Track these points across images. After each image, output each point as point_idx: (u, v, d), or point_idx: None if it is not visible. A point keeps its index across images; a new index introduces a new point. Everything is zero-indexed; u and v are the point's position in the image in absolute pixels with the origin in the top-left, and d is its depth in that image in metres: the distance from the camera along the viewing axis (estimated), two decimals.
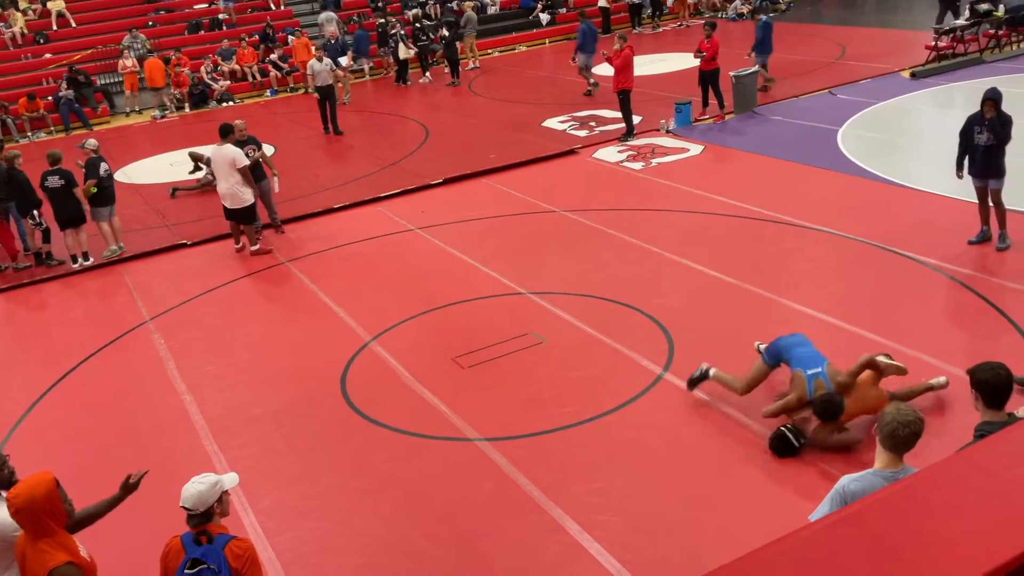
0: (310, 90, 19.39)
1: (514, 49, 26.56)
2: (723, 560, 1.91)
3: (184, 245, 12.64)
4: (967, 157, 9.54)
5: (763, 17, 17.81)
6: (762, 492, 6.28)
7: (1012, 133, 9.28)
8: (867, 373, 6.65)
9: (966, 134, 9.50)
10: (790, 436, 6.49)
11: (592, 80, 19.28)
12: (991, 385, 4.37)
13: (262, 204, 12.52)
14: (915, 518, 1.90)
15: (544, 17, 27.70)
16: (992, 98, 9.21)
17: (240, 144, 12.06)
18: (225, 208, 11.92)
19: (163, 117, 22.12)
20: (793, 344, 6.96)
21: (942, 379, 6.91)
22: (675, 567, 5.56)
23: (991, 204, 9.52)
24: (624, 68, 14.99)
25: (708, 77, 15.91)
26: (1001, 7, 19.16)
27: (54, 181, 11.83)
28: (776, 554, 1.84)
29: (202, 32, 25.62)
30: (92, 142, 12.48)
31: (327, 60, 18.46)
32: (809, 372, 6.71)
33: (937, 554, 1.78)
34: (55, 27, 24.81)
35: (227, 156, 11.63)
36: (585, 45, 19.11)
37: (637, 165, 14.03)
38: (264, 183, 12.44)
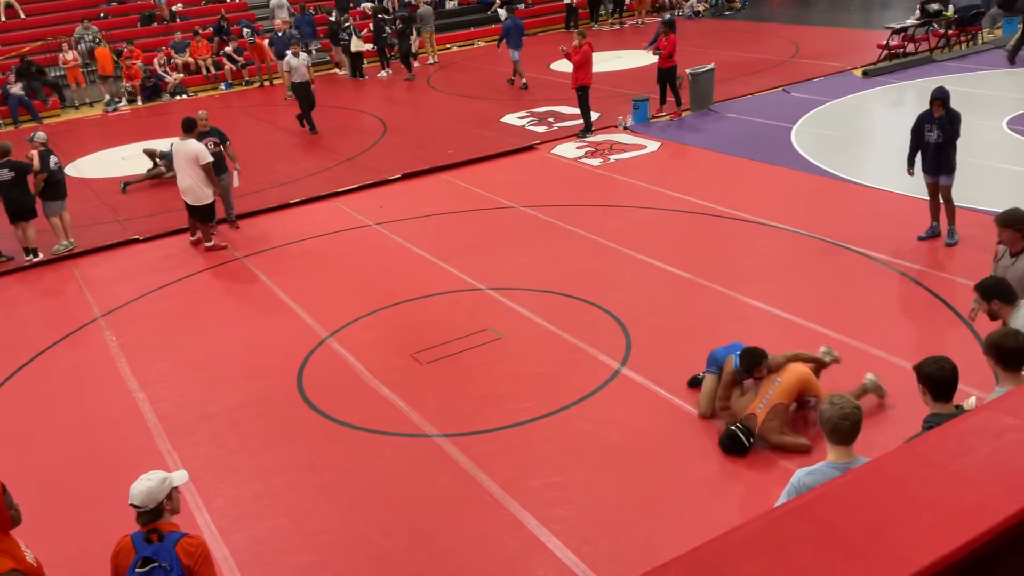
0: (287, 88, 18.44)
1: (473, 44, 26.51)
2: (680, 551, 1.93)
3: (136, 240, 12.44)
4: (919, 154, 9.69)
5: (666, 15, 18.38)
6: (718, 485, 6.35)
7: (960, 130, 9.46)
8: (796, 376, 6.78)
9: (917, 132, 9.64)
10: (741, 436, 6.54)
11: (520, 74, 20.00)
12: (936, 379, 4.47)
13: (220, 198, 12.40)
14: (862, 509, 1.93)
15: (502, 12, 27.66)
16: (940, 97, 9.37)
17: (201, 136, 11.92)
18: (186, 203, 11.73)
19: (115, 110, 21.73)
20: (727, 347, 7.20)
21: (880, 385, 6.98)
22: (632, 559, 5.60)
23: (941, 200, 9.69)
24: (583, 64, 15.03)
25: (666, 74, 16.02)
26: (951, 7, 19.56)
27: (4, 174, 11.57)
28: (727, 545, 1.86)
29: (155, 24, 25.21)
30: (41, 135, 12.22)
31: (303, 55, 17.70)
32: (737, 353, 6.95)
33: (883, 544, 1.81)
34: (3, 18, 24.25)
35: (190, 152, 11.43)
36: (509, 39, 19.78)
37: (595, 161, 14.09)
38: (225, 177, 12.28)
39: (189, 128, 11.58)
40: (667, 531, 5.85)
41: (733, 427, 6.63)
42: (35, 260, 11.89)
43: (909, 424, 6.26)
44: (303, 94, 17.32)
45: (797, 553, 1.81)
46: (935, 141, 9.43)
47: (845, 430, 4.06)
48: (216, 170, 11.97)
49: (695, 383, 7.45)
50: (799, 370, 6.77)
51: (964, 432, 2.24)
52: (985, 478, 1.99)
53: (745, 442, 6.54)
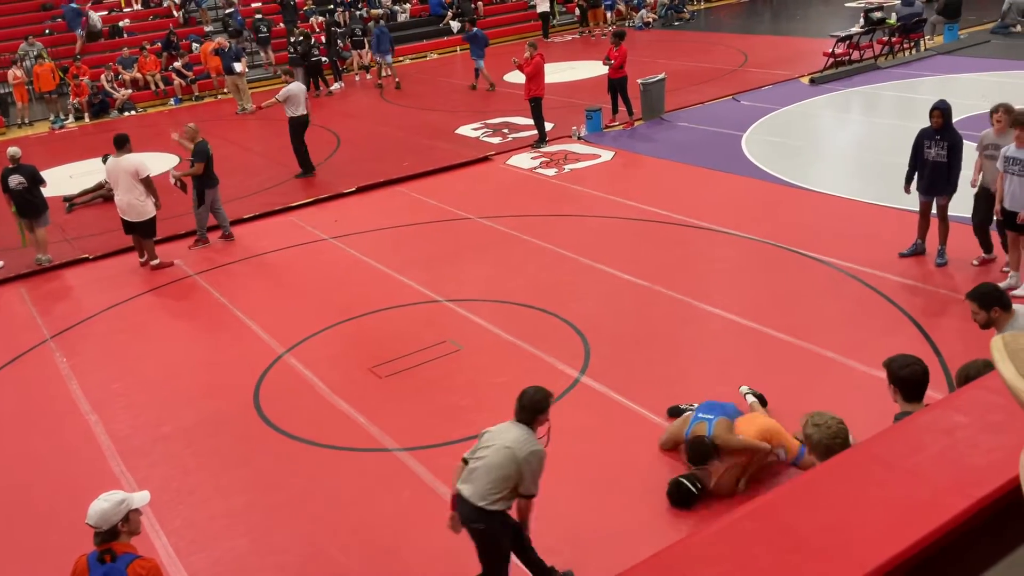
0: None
1: (425, 56, 26.51)
2: (642, 558, 1.93)
3: (86, 259, 12.21)
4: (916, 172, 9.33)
5: (474, 29, 21.48)
6: None
7: (962, 155, 9.10)
8: (759, 427, 6.35)
9: (917, 149, 9.27)
10: (686, 483, 6.19)
11: (394, 75, 22.24)
12: (910, 381, 4.52)
13: (212, 211, 12.30)
14: (818, 509, 1.96)
15: (455, 25, 27.73)
16: (939, 107, 9.05)
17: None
18: (125, 221, 11.54)
19: (61, 127, 21.33)
20: (723, 406, 6.62)
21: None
22: (594, 568, 5.61)
23: (939, 219, 9.31)
24: (535, 76, 15.11)
25: (617, 85, 16.16)
26: (893, 15, 20.01)
27: None
28: (687, 549, 1.88)
29: (102, 40, 24.82)
30: (10, 150, 12.12)
31: (301, 84, 15.24)
32: (700, 415, 6.44)
33: (841, 542, 1.84)
34: None
35: (128, 166, 11.28)
36: (380, 45, 22.29)
37: (550, 171, 14.15)
38: (216, 190, 12.16)
39: (121, 144, 11.43)
40: (629, 538, 5.87)
41: (679, 478, 6.25)
42: None
43: (871, 426, 6.37)
44: (300, 131, 14.72)
45: (757, 555, 1.83)
46: (934, 159, 9.09)
47: (838, 448, 4.10)
48: (210, 182, 11.92)
49: (675, 412, 7.06)
50: (761, 423, 6.36)
51: (916, 430, 2.28)
52: (937, 475, 2.02)
53: (692, 488, 6.17)
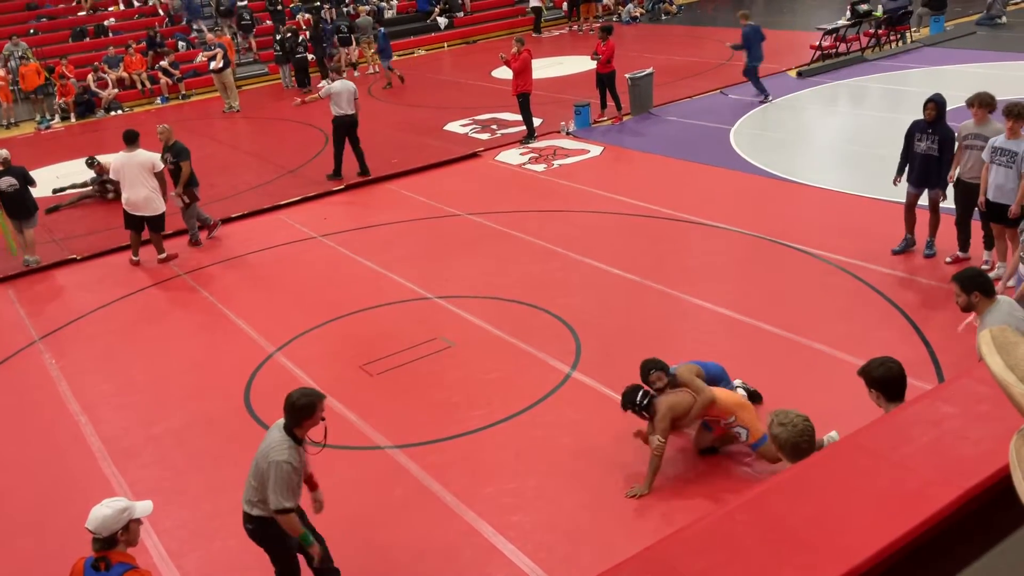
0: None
1: (413, 53, 26.46)
2: (635, 552, 1.94)
3: (74, 260, 12.16)
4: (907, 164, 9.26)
5: (381, 29, 22.43)
6: (672, 485, 6.40)
7: (953, 150, 9.01)
8: (730, 398, 6.43)
9: (908, 141, 9.20)
10: (642, 390, 6.34)
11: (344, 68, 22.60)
12: (886, 380, 4.51)
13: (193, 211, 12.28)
14: (808, 501, 1.97)
15: (442, 21, 27.69)
16: (934, 100, 8.97)
17: (164, 150, 11.88)
18: (133, 216, 11.46)
19: (47, 128, 21.21)
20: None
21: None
22: (588, 561, 5.62)
23: (930, 211, 9.26)
24: (522, 71, 15.09)
25: (605, 79, 16.16)
26: (879, 7, 20.07)
27: None
28: (679, 542, 1.89)
29: (87, 39, 24.69)
30: (2, 152, 12.05)
31: (347, 83, 14.08)
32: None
33: (830, 534, 1.85)
34: None
35: (144, 161, 11.33)
36: (325, 37, 23.31)
37: (539, 167, 14.15)
38: (197, 189, 12.16)
39: (132, 140, 11.45)
40: (622, 532, 5.89)
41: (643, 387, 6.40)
42: None
43: (860, 419, 6.39)
44: (342, 132, 14.02)
45: (747, 547, 1.84)
46: (924, 152, 9.03)
47: (806, 446, 4.10)
48: (191, 183, 11.93)
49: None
50: (733, 397, 6.45)
51: (904, 422, 2.30)
52: (926, 466, 2.04)
53: (642, 390, 6.32)
